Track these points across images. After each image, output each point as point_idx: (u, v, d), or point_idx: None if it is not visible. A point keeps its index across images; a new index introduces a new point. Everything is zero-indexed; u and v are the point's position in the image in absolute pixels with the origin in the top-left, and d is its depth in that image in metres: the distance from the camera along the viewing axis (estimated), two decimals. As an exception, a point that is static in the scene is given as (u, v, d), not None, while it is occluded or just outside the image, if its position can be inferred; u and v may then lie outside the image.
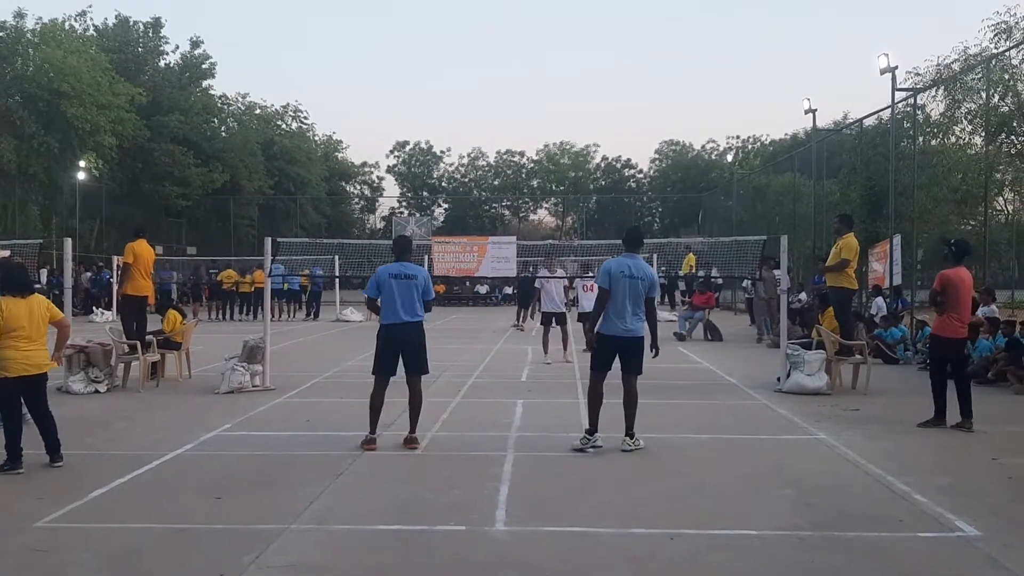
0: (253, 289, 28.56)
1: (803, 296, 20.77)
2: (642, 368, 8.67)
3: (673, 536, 5.90)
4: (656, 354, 8.77)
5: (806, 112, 25.62)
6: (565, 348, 16.19)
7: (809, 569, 5.33)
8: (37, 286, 10.14)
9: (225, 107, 54.83)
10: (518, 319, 25.08)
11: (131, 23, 47.85)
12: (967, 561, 5.45)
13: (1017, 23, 26.08)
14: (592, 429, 8.51)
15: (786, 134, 63.14)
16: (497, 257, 20.20)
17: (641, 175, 71.43)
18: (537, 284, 17.96)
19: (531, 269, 20.35)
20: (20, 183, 37.26)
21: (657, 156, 70.56)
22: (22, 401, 7.86)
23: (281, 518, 6.24)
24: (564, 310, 16.46)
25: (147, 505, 6.66)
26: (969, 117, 24.70)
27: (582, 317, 16.31)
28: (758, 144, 68.42)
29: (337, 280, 30.76)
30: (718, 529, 6.05)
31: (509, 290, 30.44)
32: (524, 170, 71.83)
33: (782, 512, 6.42)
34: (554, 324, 16.26)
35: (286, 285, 28.62)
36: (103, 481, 7.25)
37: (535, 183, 71.74)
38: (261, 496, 6.90)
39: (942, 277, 9.92)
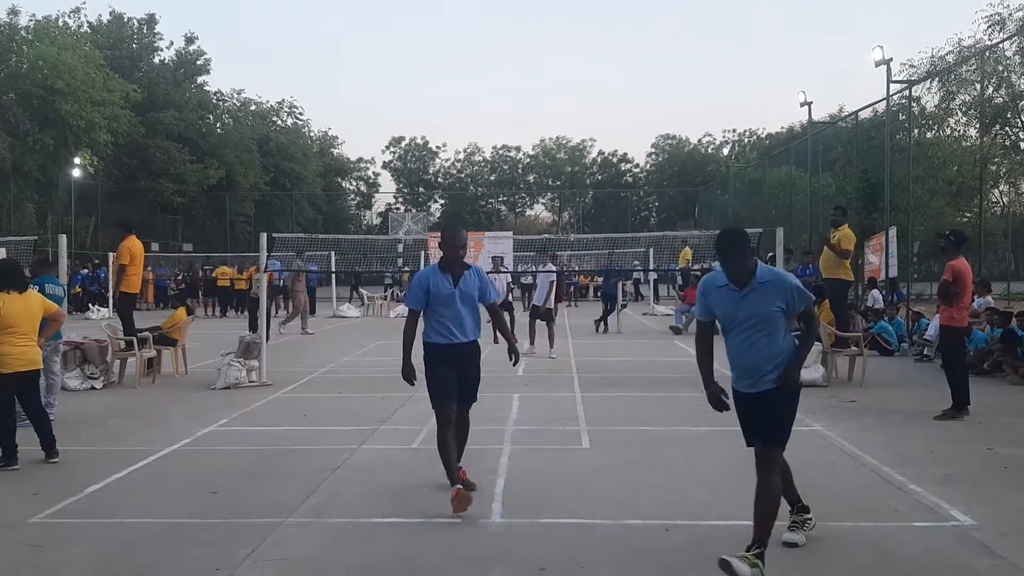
0: (249, 285, 28.56)
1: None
2: (782, 435, 5.34)
3: (669, 527, 5.91)
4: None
5: (802, 105, 25.63)
6: (551, 345, 16.27)
7: (804, 559, 5.34)
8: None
9: (220, 103, 54.83)
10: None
11: (125, 20, 47.86)
12: (962, 550, 5.46)
13: (1011, 14, 26.14)
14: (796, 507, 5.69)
15: (782, 127, 63.14)
16: (493, 252, 20.28)
17: (637, 169, 71.35)
18: (528, 281, 18.06)
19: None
20: (15, 180, 37.21)
21: (653, 150, 70.45)
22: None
23: (277, 512, 6.24)
24: (549, 305, 16.59)
25: (143, 500, 6.66)
26: (964, 109, 24.78)
27: (535, 312, 16.63)
28: (754, 138, 68.34)
29: (334, 276, 30.77)
30: (714, 520, 6.06)
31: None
32: (520, 165, 71.75)
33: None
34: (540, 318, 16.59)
35: (282, 282, 28.60)
36: (99, 477, 7.26)
37: (531, 178, 71.68)
38: (257, 490, 6.90)
39: (953, 268, 9.87)
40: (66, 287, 11.49)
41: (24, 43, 37.57)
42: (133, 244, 13.56)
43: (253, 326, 18.12)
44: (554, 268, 18.13)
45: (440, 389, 6.61)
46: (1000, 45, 24.13)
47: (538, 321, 16.55)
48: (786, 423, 5.29)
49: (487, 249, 22.80)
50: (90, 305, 28.96)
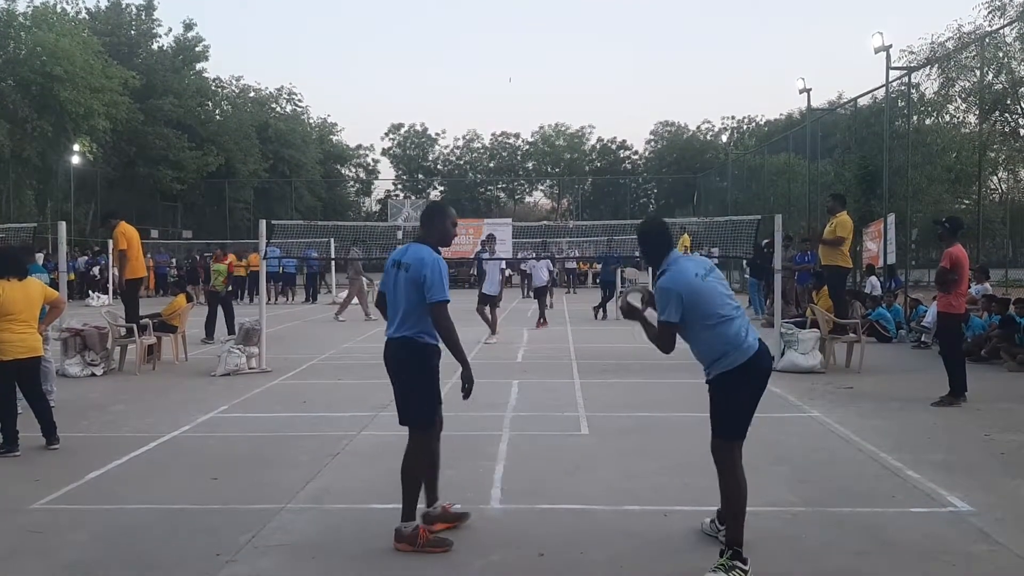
0: (248, 272, 28.59)
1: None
2: (719, 425, 5.03)
3: (667, 512, 5.94)
4: None
5: (801, 92, 25.59)
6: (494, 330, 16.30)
7: (802, 545, 5.36)
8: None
9: (219, 90, 54.68)
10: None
11: (123, 6, 47.75)
12: (959, 536, 5.49)
13: (1011, 0, 26.07)
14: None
15: (781, 114, 63.08)
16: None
17: (636, 156, 71.21)
18: (487, 268, 17.48)
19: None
20: (14, 167, 37.13)
21: (652, 137, 70.31)
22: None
23: (278, 498, 6.27)
24: (497, 293, 16.64)
25: (144, 486, 6.69)
26: (963, 95, 24.75)
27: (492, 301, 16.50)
28: (753, 124, 68.26)
29: (333, 263, 30.74)
30: (711, 505, 6.05)
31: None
32: (519, 152, 71.65)
33: (775, 489, 6.45)
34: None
35: (282, 268, 28.64)
36: (100, 463, 7.28)
37: (530, 165, 71.57)
38: (258, 476, 6.93)
39: (951, 255, 9.88)
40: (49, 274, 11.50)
41: (22, 29, 37.44)
42: (126, 228, 13.47)
43: (231, 324, 16.99)
44: (503, 256, 18.55)
45: (437, 397, 5.51)
46: (1000, 31, 24.08)
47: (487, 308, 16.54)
48: (720, 412, 4.93)
49: (486, 235, 22.81)
50: (90, 292, 28.97)
